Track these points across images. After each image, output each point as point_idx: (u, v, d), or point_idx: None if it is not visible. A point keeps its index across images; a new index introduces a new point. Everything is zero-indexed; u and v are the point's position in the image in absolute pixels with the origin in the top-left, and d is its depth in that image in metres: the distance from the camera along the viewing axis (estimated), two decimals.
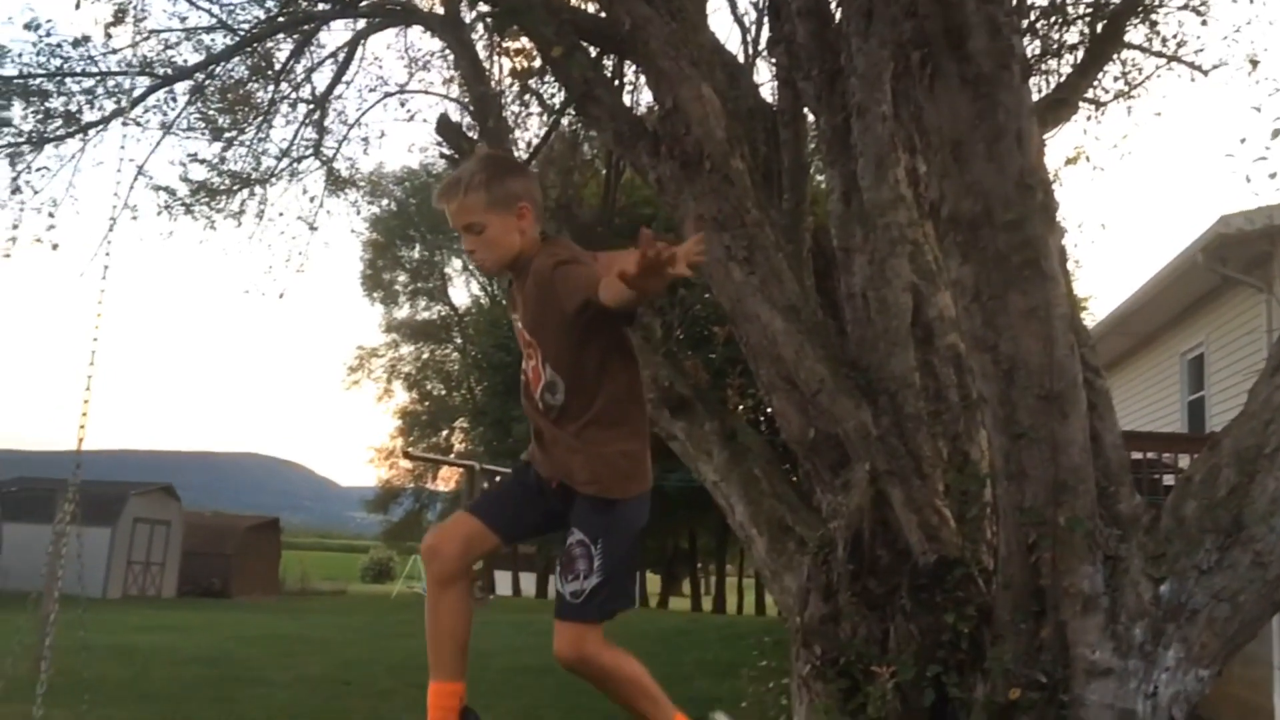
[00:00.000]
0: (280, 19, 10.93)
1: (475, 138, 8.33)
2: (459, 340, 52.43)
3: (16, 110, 10.32)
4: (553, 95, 10.36)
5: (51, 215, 10.44)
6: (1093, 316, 19.33)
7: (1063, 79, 9.53)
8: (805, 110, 6.36)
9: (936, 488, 4.38)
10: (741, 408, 6.12)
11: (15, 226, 10.31)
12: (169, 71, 10.90)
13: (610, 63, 8.27)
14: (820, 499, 4.73)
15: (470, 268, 52.37)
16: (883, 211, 4.83)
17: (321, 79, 12.07)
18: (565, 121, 9.95)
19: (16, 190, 10.35)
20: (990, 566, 4.13)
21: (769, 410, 5.81)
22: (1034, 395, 3.74)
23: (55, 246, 10.57)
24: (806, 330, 4.80)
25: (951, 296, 4.28)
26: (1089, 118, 10.62)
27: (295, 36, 11.20)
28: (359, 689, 14.03)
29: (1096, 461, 3.84)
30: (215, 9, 10.76)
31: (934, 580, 4.06)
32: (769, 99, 7.33)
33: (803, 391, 4.68)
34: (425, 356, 53.53)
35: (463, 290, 52.21)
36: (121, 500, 29.66)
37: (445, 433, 50.20)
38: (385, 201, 45.80)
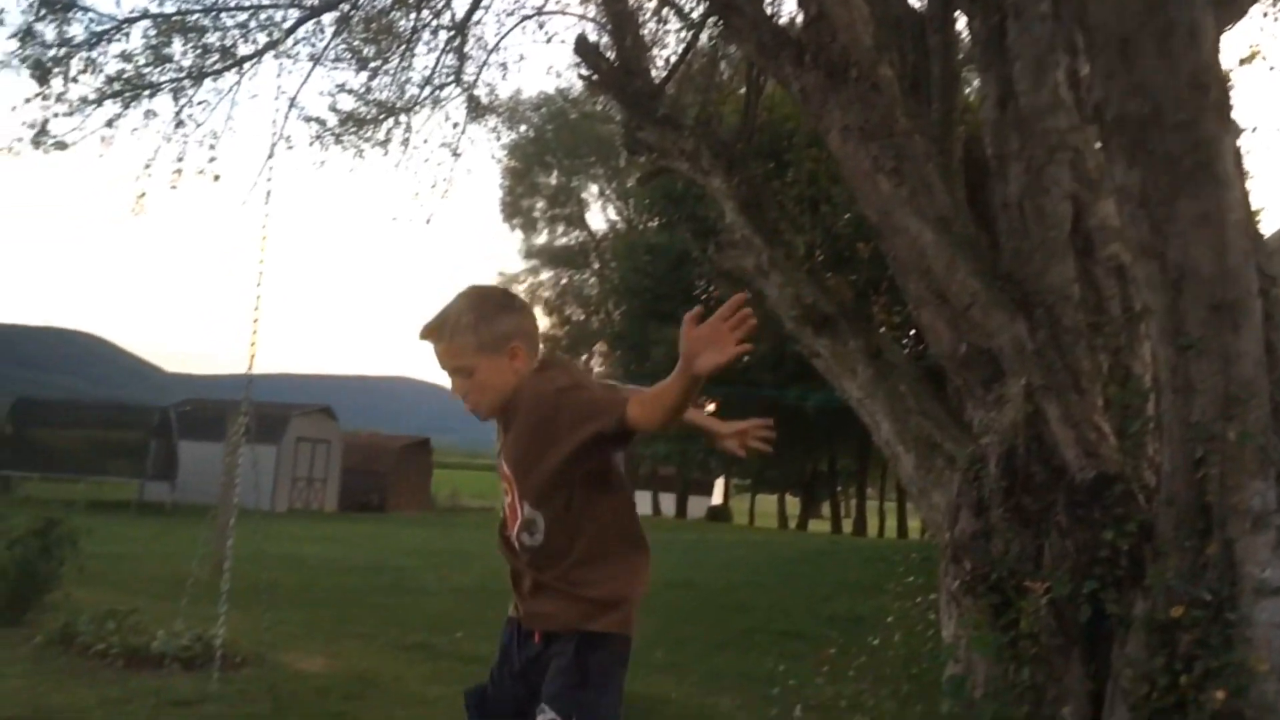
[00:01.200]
0: None
1: (613, 57, 8.30)
2: (596, 265, 52.95)
3: (176, 46, 10.80)
4: (691, 9, 10.21)
5: (212, 148, 10.95)
6: (1266, 230, 18.12)
7: None
8: (956, 14, 6.10)
9: (1095, 403, 4.24)
10: (886, 326, 6.00)
11: (180, 159, 10.86)
12: (316, 3, 11.19)
13: None
14: (970, 415, 4.64)
15: (604, 198, 52.60)
16: (1041, 116, 4.63)
17: (461, 4, 12.20)
18: (704, 36, 9.80)
19: (180, 124, 10.88)
20: (1152, 483, 3.99)
21: (916, 328, 5.70)
22: (1204, 305, 3.57)
23: (217, 178, 11.10)
24: (958, 242, 4.67)
25: (1115, 204, 4.09)
26: (1265, 14, 9.86)
27: None
28: (507, 597, 14.60)
29: (1271, 375, 3.65)
30: None
31: (1092, 496, 3.96)
32: (917, 4, 7.05)
33: (953, 306, 4.58)
34: (564, 282, 54.36)
35: (600, 215, 52.56)
36: (285, 420, 31.34)
37: (584, 357, 51.06)
38: (523, 128, 46.22)
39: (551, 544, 2.39)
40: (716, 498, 56.26)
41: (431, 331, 2.34)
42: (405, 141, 12.48)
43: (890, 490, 52.94)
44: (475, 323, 2.32)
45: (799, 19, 5.69)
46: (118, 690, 7.55)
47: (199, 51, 10.87)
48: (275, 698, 7.28)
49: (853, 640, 3.84)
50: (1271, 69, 10.87)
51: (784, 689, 3.73)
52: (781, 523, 51.72)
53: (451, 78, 12.40)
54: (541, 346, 2.45)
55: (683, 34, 10.27)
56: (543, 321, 54.17)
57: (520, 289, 54.09)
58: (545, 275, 54.44)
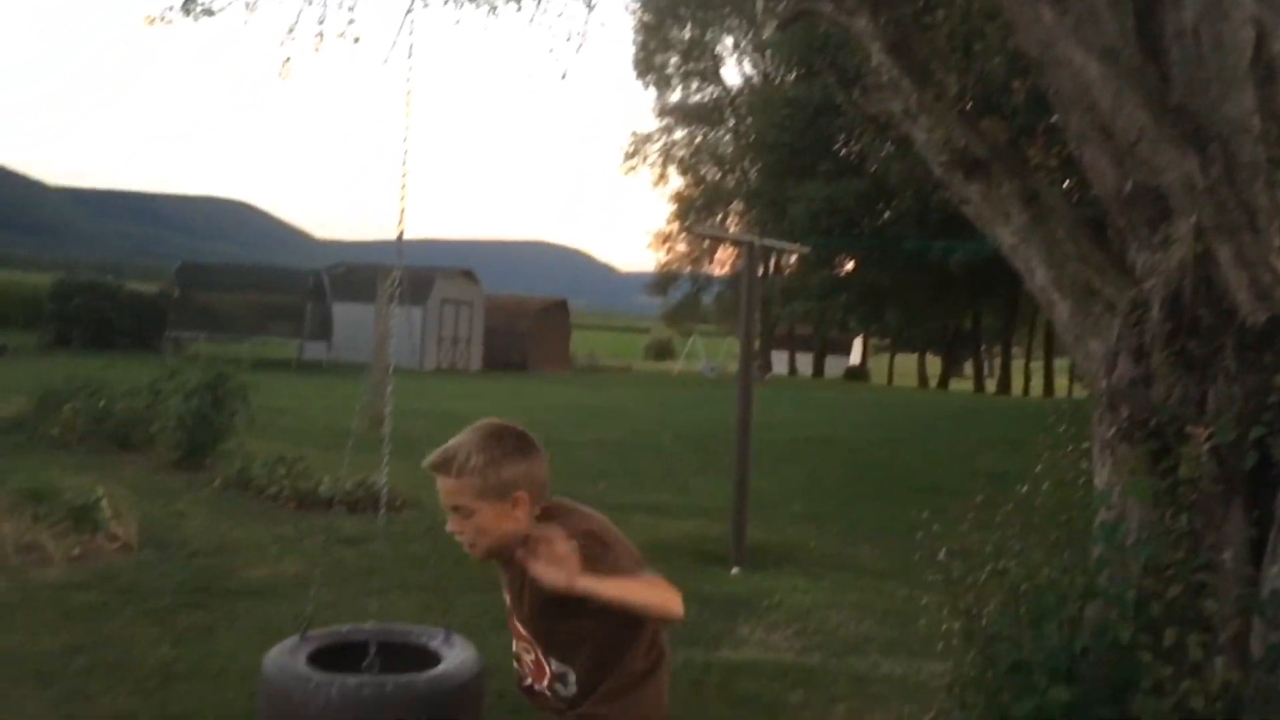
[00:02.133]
0: None
1: None
2: (732, 122, 51.80)
3: None
4: None
5: (351, 9, 11.00)
6: None
7: None
8: None
9: (1272, 243, 3.97)
10: (1043, 168, 5.69)
11: (321, 22, 10.96)
12: None
13: None
14: (1133, 258, 4.41)
15: (739, 51, 50.96)
16: None
17: None
18: None
19: None
20: None
21: (1076, 169, 5.38)
22: None
23: (357, 40, 11.18)
24: (1125, 74, 4.35)
25: None
26: None
27: None
28: (650, 451, 14.99)
29: None
30: None
31: (1263, 340, 3.74)
32: None
33: (1119, 142, 4.29)
34: (698, 140, 53.48)
35: (735, 70, 51.12)
36: (430, 283, 32.31)
37: (719, 217, 50.55)
38: None
39: (586, 688, 2.35)
40: (854, 357, 55.76)
41: (437, 466, 2.28)
42: None
43: (1037, 348, 51.46)
44: (483, 466, 2.23)
45: None
46: (291, 529, 8.14)
47: None
48: (433, 538, 7.71)
49: (997, 495, 3.78)
50: None
51: (927, 535, 3.73)
52: (921, 382, 51.08)
53: None
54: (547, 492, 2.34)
55: None
56: (676, 181, 53.63)
57: (654, 148, 53.52)
58: (679, 133, 53.67)
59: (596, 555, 2.17)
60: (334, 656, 3.82)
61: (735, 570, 7.65)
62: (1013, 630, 3.29)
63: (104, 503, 7.33)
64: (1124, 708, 3.00)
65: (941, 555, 3.60)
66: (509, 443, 2.26)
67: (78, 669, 4.79)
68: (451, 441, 2.27)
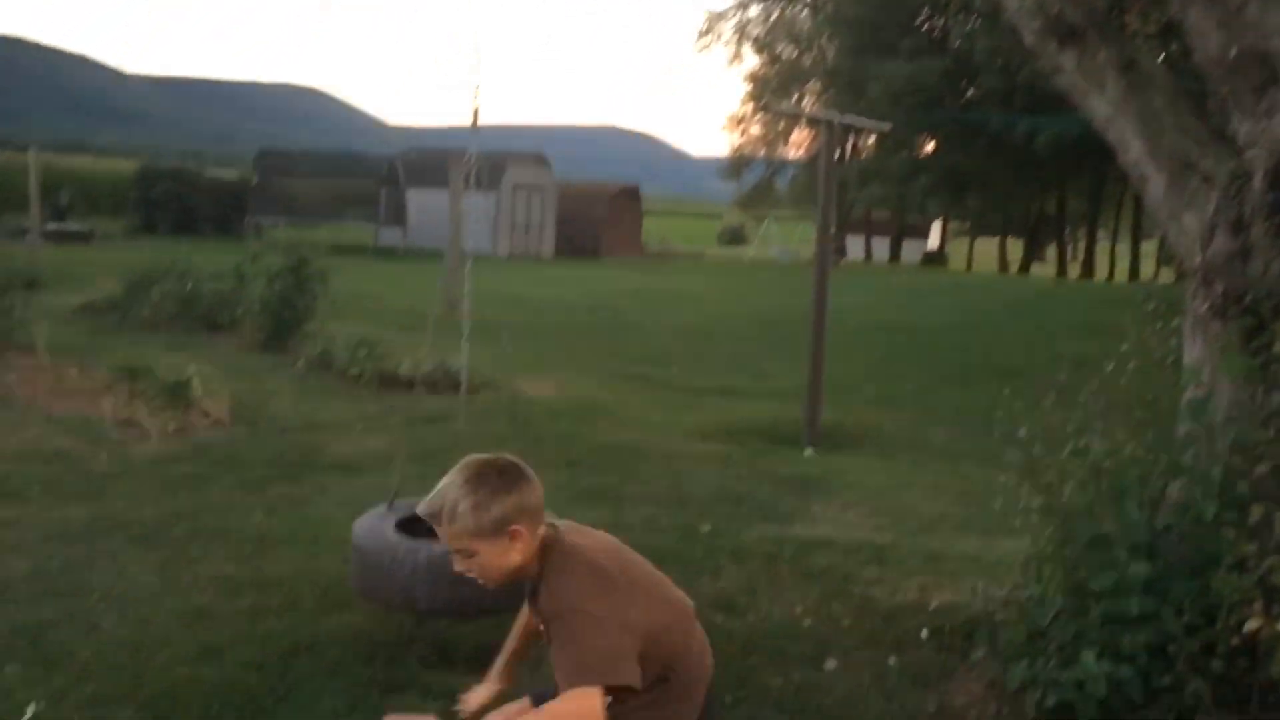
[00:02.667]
0: None
1: None
2: None
3: None
4: None
5: None
6: None
7: None
8: None
9: None
10: (1141, 36, 5.41)
11: None
12: None
13: None
14: (1235, 127, 4.21)
15: None
16: None
17: None
18: None
19: None
20: None
21: (1172, 40, 5.12)
22: None
23: None
24: None
25: None
26: None
27: None
28: (722, 336, 15.00)
29: None
30: None
31: None
32: None
33: (1226, 4, 4.06)
34: (774, 17, 51.77)
35: None
36: (502, 168, 32.21)
37: (795, 98, 49.20)
38: None
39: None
40: (933, 242, 54.59)
41: (429, 517, 2.25)
42: None
43: (1123, 231, 49.84)
44: (472, 509, 2.19)
45: None
46: (374, 407, 8.38)
47: None
48: (512, 417, 7.88)
49: (1080, 378, 3.71)
50: None
51: (1007, 413, 3.69)
52: (1001, 267, 49.92)
53: None
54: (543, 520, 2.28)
55: None
56: (751, 61, 52.16)
57: (728, 26, 52.00)
58: (754, 10, 51.97)
59: (563, 639, 2.15)
60: (420, 525, 3.97)
61: (809, 451, 7.70)
62: (1093, 506, 3.27)
63: (196, 381, 7.60)
64: (1204, 583, 2.98)
65: (1022, 433, 3.57)
66: (493, 480, 2.21)
67: (179, 535, 5.04)
68: (438, 487, 2.24)
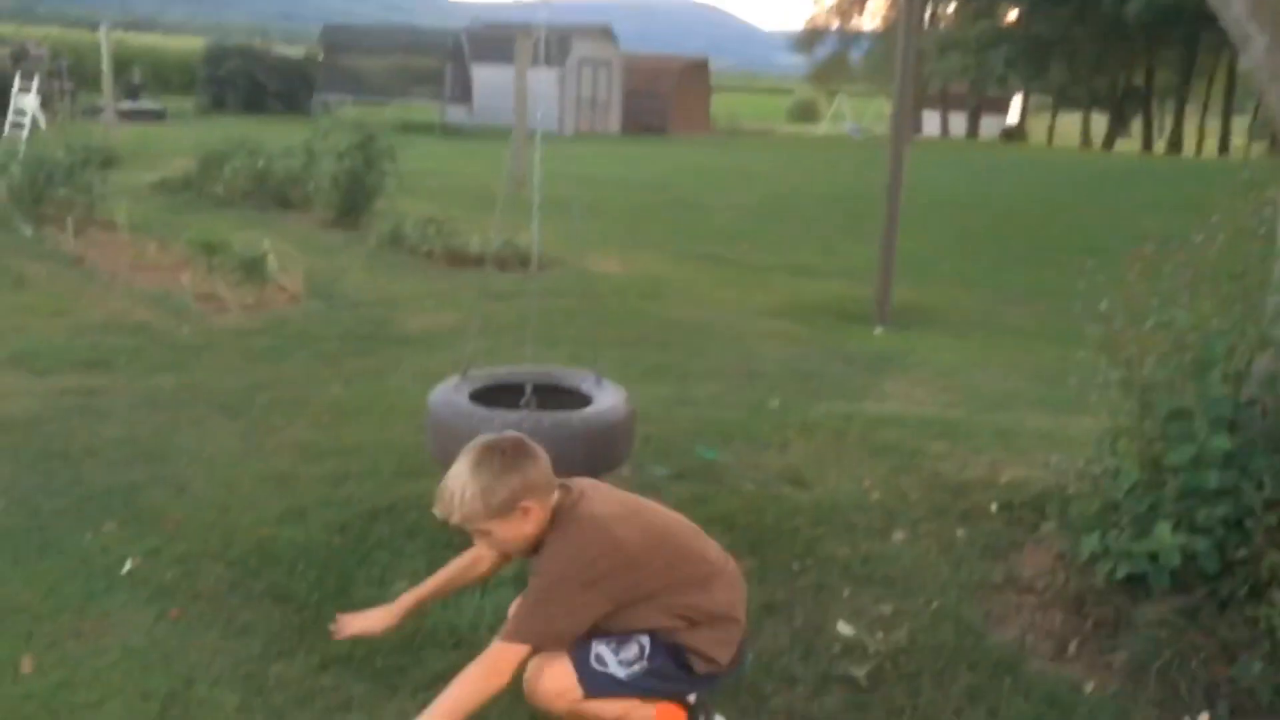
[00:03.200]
0: None
1: None
2: None
3: None
4: None
5: None
6: None
7: None
8: None
9: None
10: None
11: None
12: None
13: None
14: None
15: None
16: None
17: None
18: None
19: None
20: None
21: None
22: None
23: None
24: None
25: None
26: None
27: None
28: (791, 214, 14.77)
29: None
30: None
31: None
32: None
33: None
34: None
35: None
36: (567, 43, 31.59)
37: None
38: None
39: None
40: (1012, 117, 52.67)
41: (440, 503, 2.29)
42: None
43: (1214, 104, 47.60)
44: (480, 493, 2.23)
45: None
46: (445, 284, 8.46)
47: None
48: (581, 294, 7.91)
49: (1165, 254, 3.58)
50: None
51: (1089, 286, 3.60)
52: (1084, 143, 48.15)
53: None
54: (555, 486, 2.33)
55: None
56: None
57: None
58: None
59: (531, 592, 2.28)
60: (493, 395, 4.03)
61: (879, 329, 7.62)
62: (1175, 380, 3.20)
63: (271, 256, 7.72)
64: None
65: (1104, 305, 3.48)
66: (497, 462, 2.25)
67: (261, 404, 5.19)
68: (446, 478, 2.28)
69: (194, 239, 8.01)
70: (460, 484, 2.25)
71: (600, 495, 2.38)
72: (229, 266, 7.57)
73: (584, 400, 4.03)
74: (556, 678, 2.30)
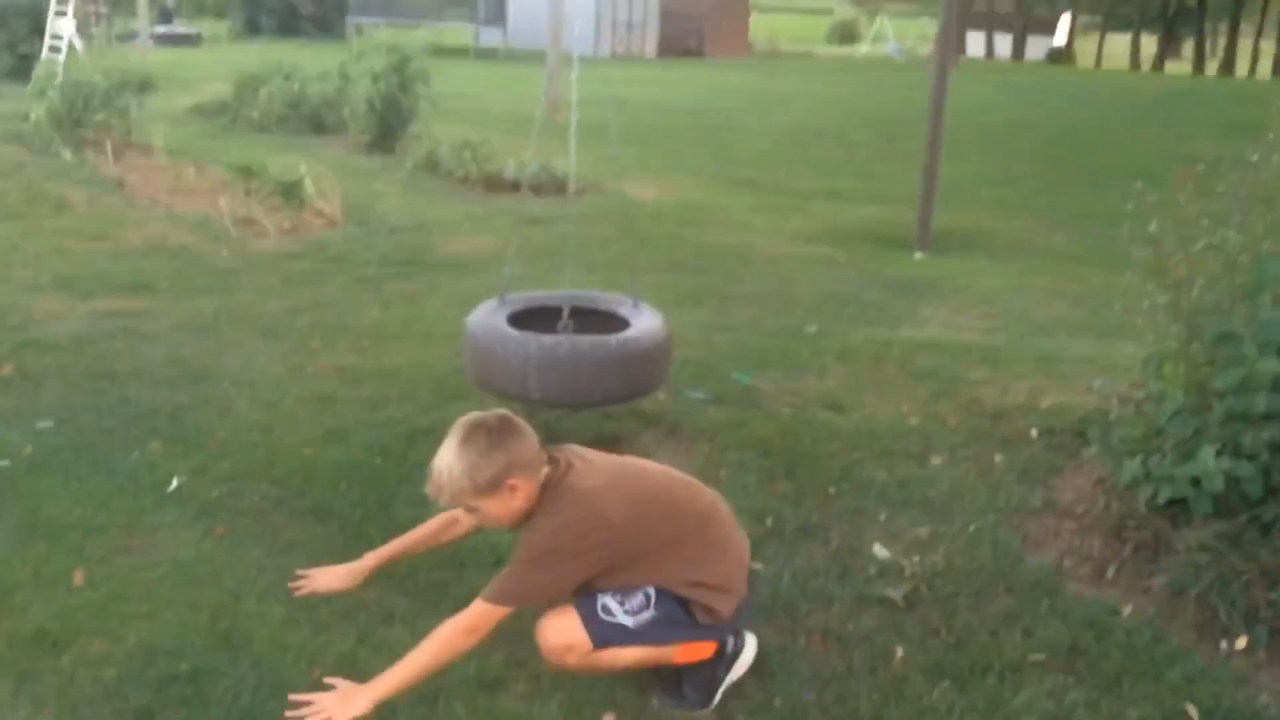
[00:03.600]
0: None
1: None
2: None
3: None
4: None
5: None
6: None
7: None
8: None
9: None
10: None
11: None
12: None
13: None
14: None
15: None
16: None
17: None
18: None
19: None
20: None
21: None
22: None
23: None
24: None
25: None
26: None
27: None
28: (831, 138, 14.53)
29: None
30: None
31: None
32: None
33: None
34: None
35: None
36: None
37: None
38: None
39: None
40: (1059, 38, 51.19)
41: (431, 485, 2.26)
42: None
43: (1269, 25, 46.00)
44: (467, 471, 2.22)
45: None
46: (480, 209, 8.43)
47: None
48: (617, 219, 7.85)
49: (1216, 176, 3.48)
50: None
51: (1137, 207, 3.52)
52: (1133, 64, 46.78)
53: None
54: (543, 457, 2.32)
55: None
56: None
57: None
58: None
59: (517, 556, 2.28)
60: (530, 319, 4.04)
61: (919, 255, 7.53)
62: (1224, 303, 3.13)
63: (307, 180, 7.72)
64: None
65: (1153, 227, 3.40)
66: (483, 440, 2.23)
67: (301, 327, 5.24)
68: (434, 460, 2.27)
69: (231, 163, 8.02)
70: (447, 463, 2.24)
71: (588, 466, 2.36)
72: (266, 191, 7.58)
73: (622, 324, 4.02)
74: (564, 632, 2.31)
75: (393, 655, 2.41)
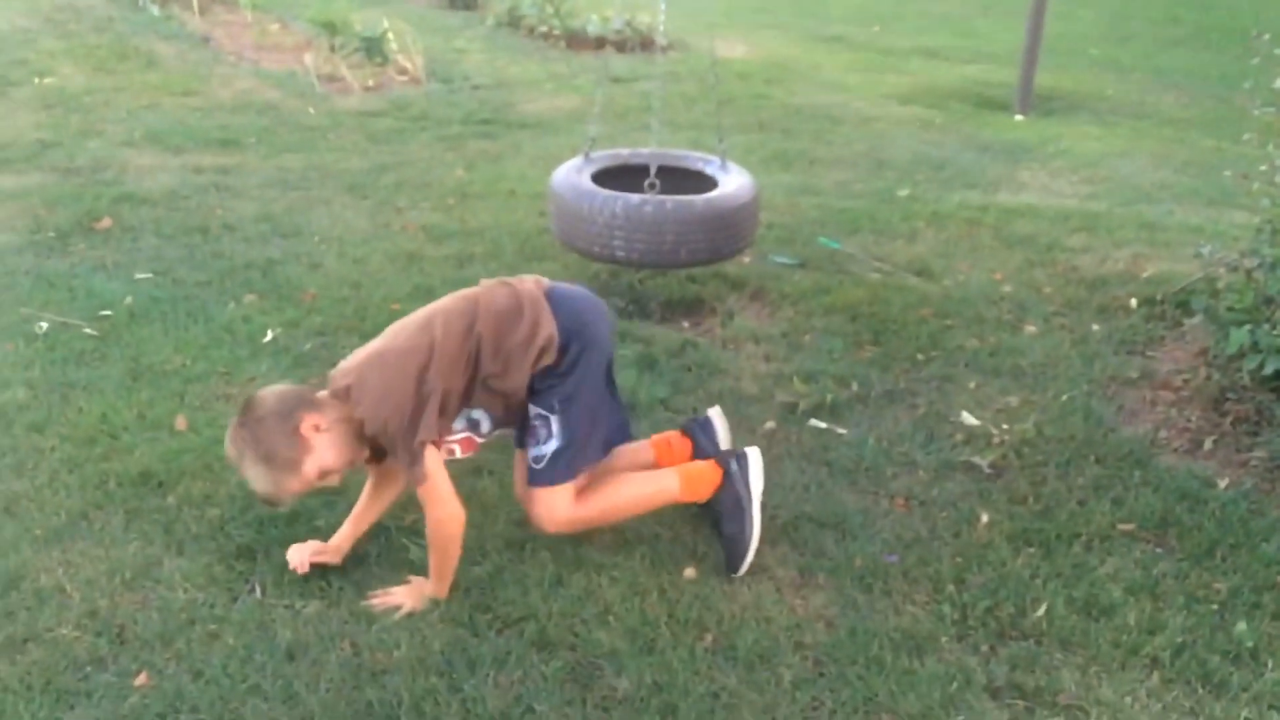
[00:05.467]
0: None
1: None
2: None
3: None
4: None
5: None
6: None
7: None
8: None
9: None
10: None
11: None
12: None
13: None
14: None
15: None
16: None
17: None
18: None
19: None
20: None
21: None
22: None
23: None
24: None
25: None
26: None
27: None
28: None
29: None
30: None
31: None
32: None
33: None
34: None
35: None
36: None
37: None
38: None
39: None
40: None
41: (276, 506, 2.29)
42: None
43: None
44: (268, 472, 2.14)
45: None
46: (563, 67, 8.25)
47: None
48: (701, 78, 7.64)
49: None
50: None
51: (1264, 61, 3.29)
52: None
53: None
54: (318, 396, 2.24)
55: None
56: None
57: None
58: None
59: (392, 448, 2.23)
60: (615, 178, 3.97)
61: (1020, 117, 7.20)
62: None
63: (390, 36, 7.62)
64: None
65: (1278, 84, 3.19)
66: (247, 440, 2.14)
67: (386, 185, 5.24)
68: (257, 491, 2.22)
69: (315, 18, 7.94)
70: (256, 480, 2.17)
71: (354, 360, 2.30)
72: (350, 48, 7.51)
73: (709, 184, 3.94)
74: (538, 502, 2.36)
75: (483, 505, 2.47)
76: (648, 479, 2.55)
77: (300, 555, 2.40)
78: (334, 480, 2.26)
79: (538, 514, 2.37)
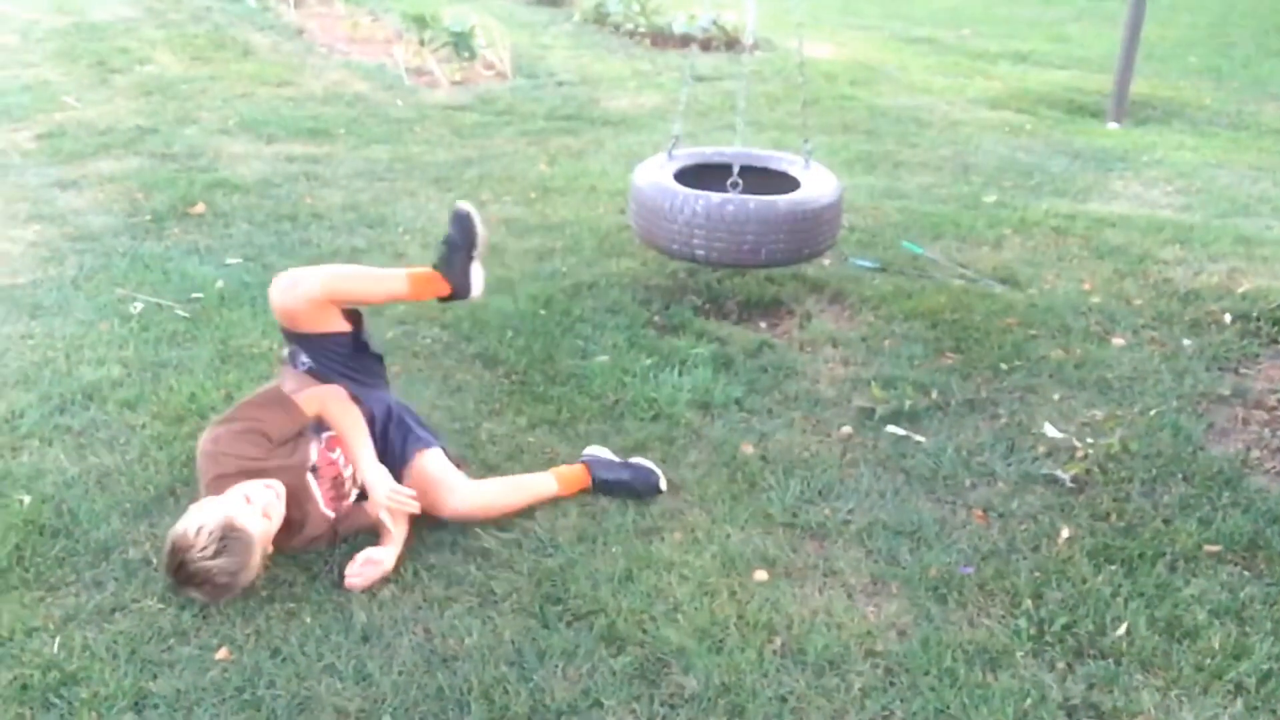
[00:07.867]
0: None
1: None
2: None
3: None
4: None
5: None
6: None
7: None
8: None
9: None
10: None
11: None
12: None
13: None
14: None
15: None
16: None
17: None
18: None
19: None
20: None
21: None
22: None
23: None
24: None
25: None
26: None
27: None
28: None
29: None
30: None
31: None
32: None
33: None
34: None
35: None
36: None
37: None
38: None
39: None
40: None
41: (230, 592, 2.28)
42: None
43: None
44: (231, 572, 2.23)
45: None
46: (647, 64, 8.26)
47: None
48: (786, 78, 7.59)
49: None
50: None
51: None
52: None
53: None
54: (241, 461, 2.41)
55: None
56: None
57: None
58: None
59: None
60: (697, 176, 3.97)
61: (1113, 124, 7.02)
62: None
63: (478, 31, 7.71)
64: None
65: None
66: (215, 571, 2.22)
67: (470, 178, 5.31)
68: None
69: (405, 12, 8.07)
70: (224, 582, 2.23)
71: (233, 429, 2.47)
72: (439, 42, 7.62)
73: (792, 184, 3.91)
74: (430, 489, 2.55)
75: (554, 499, 2.48)
76: (524, 481, 2.71)
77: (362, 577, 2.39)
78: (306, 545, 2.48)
79: (447, 504, 2.57)
